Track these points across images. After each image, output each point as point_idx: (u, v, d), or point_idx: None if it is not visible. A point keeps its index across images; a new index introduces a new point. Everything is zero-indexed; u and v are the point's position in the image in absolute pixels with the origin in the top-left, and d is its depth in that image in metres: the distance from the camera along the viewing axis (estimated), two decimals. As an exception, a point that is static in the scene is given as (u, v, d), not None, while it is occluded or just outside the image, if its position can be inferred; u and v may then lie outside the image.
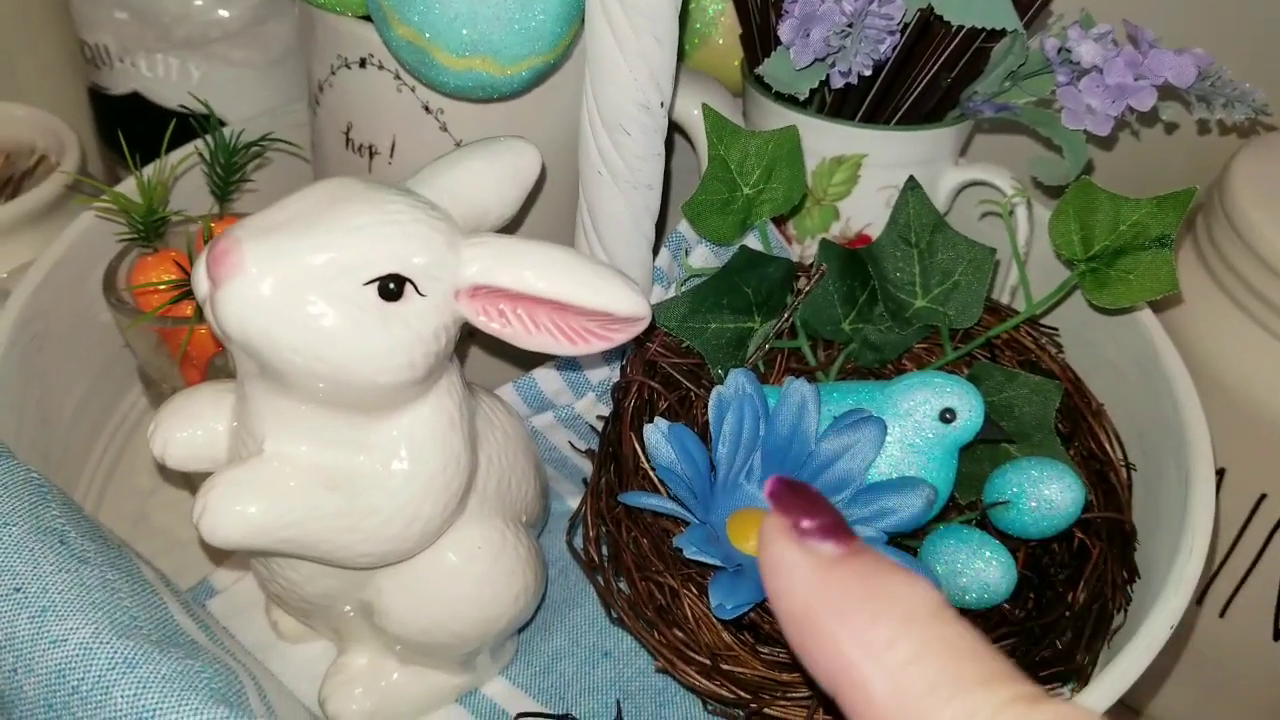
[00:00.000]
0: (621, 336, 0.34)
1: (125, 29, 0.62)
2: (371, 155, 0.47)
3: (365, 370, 0.31)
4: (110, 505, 0.50)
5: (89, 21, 0.63)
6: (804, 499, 0.21)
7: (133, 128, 0.64)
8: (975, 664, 0.18)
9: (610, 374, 0.48)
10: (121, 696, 0.29)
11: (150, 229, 0.46)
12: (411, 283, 0.31)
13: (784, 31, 0.44)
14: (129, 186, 0.48)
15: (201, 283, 0.31)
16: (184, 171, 0.52)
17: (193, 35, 0.62)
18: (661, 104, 0.41)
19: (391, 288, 0.31)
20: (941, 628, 0.19)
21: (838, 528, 0.21)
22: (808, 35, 0.44)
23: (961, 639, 0.19)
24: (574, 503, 0.48)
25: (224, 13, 0.63)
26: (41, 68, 0.73)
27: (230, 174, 0.49)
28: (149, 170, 0.47)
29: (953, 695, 0.18)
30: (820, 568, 0.20)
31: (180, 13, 0.62)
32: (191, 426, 0.36)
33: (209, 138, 0.49)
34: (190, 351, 0.45)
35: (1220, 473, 0.54)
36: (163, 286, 0.45)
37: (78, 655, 0.30)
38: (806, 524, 0.20)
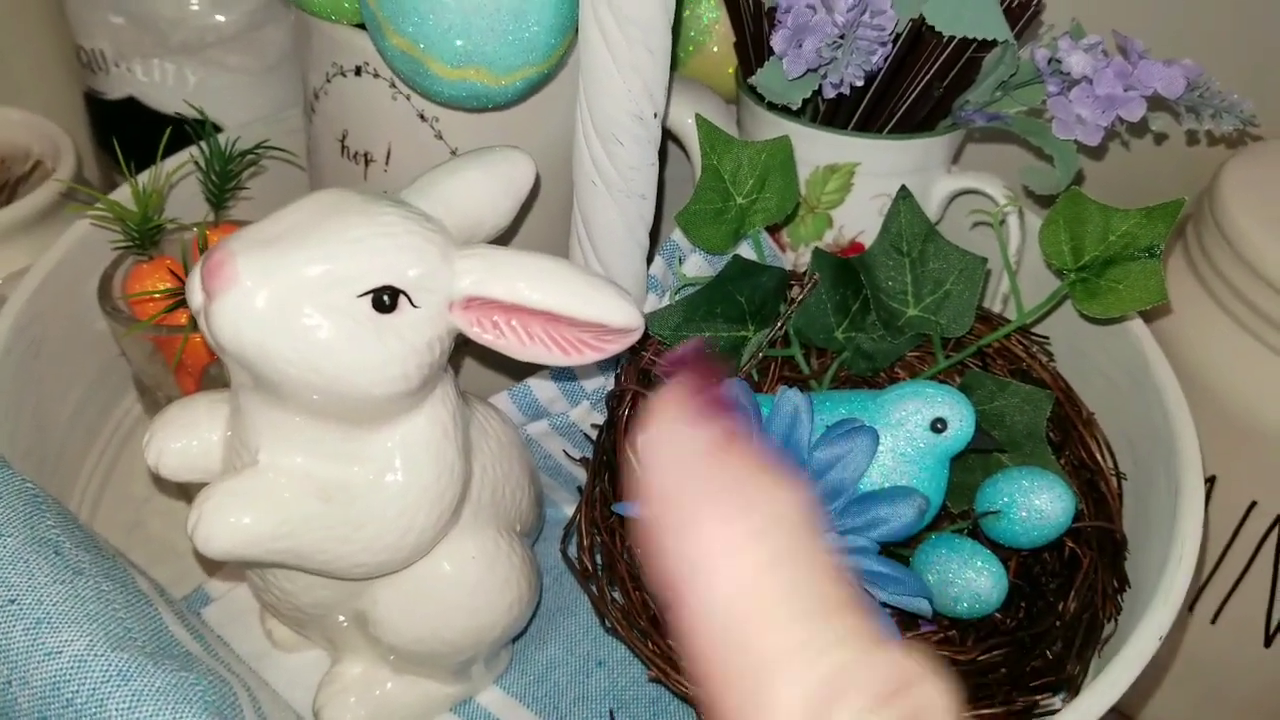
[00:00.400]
0: (615, 347, 0.35)
1: (121, 34, 0.62)
2: (367, 163, 0.47)
3: (359, 382, 0.31)
4: (105, 513, 0.50)
5: (85, 26, 0.63)
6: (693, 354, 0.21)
7: (129, 133, 0.64)
8: (829, 586, 0.17)
9: (605, 382, 0.48)
10: (116, 709, 0.30)
11: (145, 237, 0.46)
12: (405, 295, 0.31)
13: (777, 42, 0.45)
14: (124, 194, 0.48)
15: (196, 294, 0.31)
16: (179, 179, 0.52)
17: (189, 40, 0.62)
18: (655, 114, 0.41)
19: (385, 300, 0.31)
20: (806, 538, 0.18)
21: (727, 406, 0.20)
22: (800, 46, 0.44)
23: (821, 556, 0.18)
24: (569, 510, 0.48)
25: (220, 18, 0.63)
26: (37, 72, 0.73)
27: (225, 182, 0.49)
28: (144, 178, 0.47)
29: (799, 613, 0.17)
30: (699, 451, 0.19)
31: (176, 18, 0.62)
32: (186, 437, 0.36)
33: (204, 145, 0.49)
34: (185, 360, 0.45)
35: (1211, 481, 0.54)
36: (158, 295, 0.45)
37: (72, 668, 0.30)
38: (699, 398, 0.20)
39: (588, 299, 0.33)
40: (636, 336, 0.34)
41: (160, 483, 0.51)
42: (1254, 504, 0.54)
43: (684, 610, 0.18)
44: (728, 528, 0.18)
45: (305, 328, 0.30)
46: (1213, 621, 0.57)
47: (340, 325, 0.30)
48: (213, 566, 0.46)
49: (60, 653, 0.30)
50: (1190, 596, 0.57)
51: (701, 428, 0.19)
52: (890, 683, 0.17)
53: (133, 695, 0.30)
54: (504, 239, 0.41)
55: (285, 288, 0.30)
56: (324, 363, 0.31)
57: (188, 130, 0.50)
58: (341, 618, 0.38)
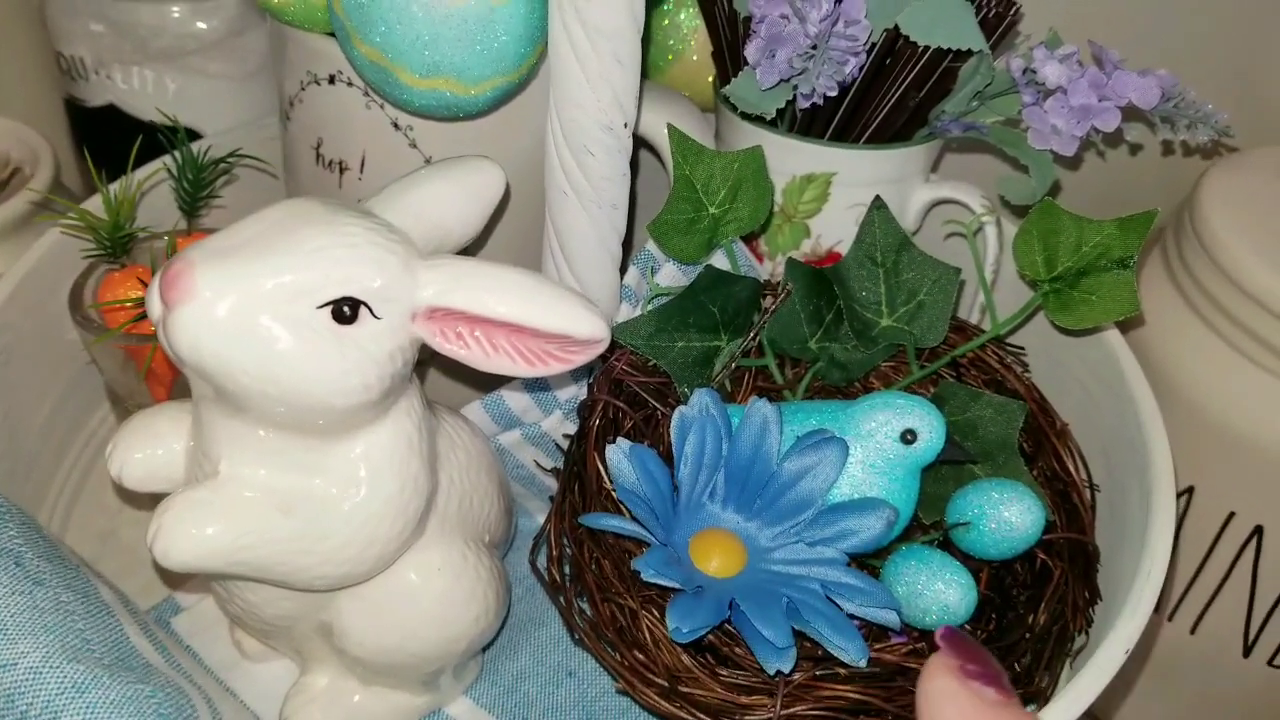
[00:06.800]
0: (581, 358, 0.34)
1: (101, 41, 0.62)
2: (342, 171, 0.47)
3: (319, 393, 0.31)
4: (78, 521, 0.50)
5: (65, 33, 0.63)
6: (971, 646, 0.26)
7: (109, 140, 0.64)
8: None
9: (578, 392, 0.48)
10: (69, 722, 0.29)
11: (117, 245, 0.46)
12: (366, 305, 0.31)
13: (750, 52, 0.45)
14: (96, 203, 0.48)
15: (155, 305, 0.31)
16: (152, 187, 0.52)
17: (169, 47, 0.62)
18: (625, 125, 0.41)
19: (346, 311, 0.31)
20: None
21: (1000, 678, 0.25)
22: (773, 56, 0.44)
23: None
24: (543, 519, 0.48)
25: (201, 25, 0.63)
26: (17, 79, 0.73)
27: (198, 190, 0.49)
28: (116, 186, 0.47)
29: None
30: (980, 706, 0.24)
31: (157, 25, 0.62)
32: (150, 447, 0.36)
33: (177, 153, 0.49)
34: (156, 369, 0.45)
35: (1189, 491, 0.54)
36: (128, 304, 0.45)
37: (27, 680, 0.30)
38: (972, 668, 0.25)
39: (552, 310, 0.33)
40: (602, 348, 0.34)
41: (128, 494, 0.50)
42: (1232, 514, 0.53)
43: None
44: None
45: (264, 339, 0.30)
46: (1191, 631, 0.57)
47: (300, 336, 0.30)
48: (176, 579, 0.45)
49: (15, 665, 0.30)
50: (1169, 607, 0.57)
51: (983, 686, 0.25)
52: None
53: (86, 708, 0.29)
54: (475, 249, 0.40)
55: (244, 299, 0.30)
56: (283, 374, 0.30)
57: (161, 138, 0.50)
58: (307, 629, 0.38)
